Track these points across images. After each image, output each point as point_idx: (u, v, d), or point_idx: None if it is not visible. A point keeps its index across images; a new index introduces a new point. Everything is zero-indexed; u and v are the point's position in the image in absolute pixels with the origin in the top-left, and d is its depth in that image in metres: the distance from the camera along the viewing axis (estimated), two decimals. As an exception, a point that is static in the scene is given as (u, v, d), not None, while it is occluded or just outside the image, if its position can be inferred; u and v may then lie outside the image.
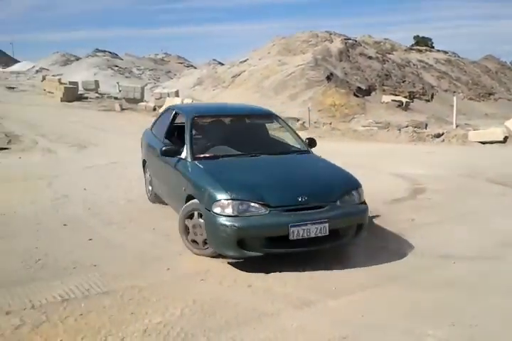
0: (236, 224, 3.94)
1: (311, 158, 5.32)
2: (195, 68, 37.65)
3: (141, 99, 21.96)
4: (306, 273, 4.07)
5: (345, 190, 4.47)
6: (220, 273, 4.03)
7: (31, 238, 4.88)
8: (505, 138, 13.51)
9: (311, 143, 5.58)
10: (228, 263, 4.26)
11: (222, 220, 4.00)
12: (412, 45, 41.67)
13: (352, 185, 4.60)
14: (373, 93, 26.47)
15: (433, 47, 41.67)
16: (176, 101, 18.83)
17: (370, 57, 30.17)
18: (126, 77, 35.39)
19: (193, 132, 5.21)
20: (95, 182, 7.44)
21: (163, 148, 4.98)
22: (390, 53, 32.57)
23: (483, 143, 12.95)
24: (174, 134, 5.75)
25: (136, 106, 20.73)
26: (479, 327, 3.23)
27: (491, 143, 12.92)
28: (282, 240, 4.02)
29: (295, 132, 5.81)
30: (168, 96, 20.42)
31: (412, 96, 27.62)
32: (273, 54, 31.63)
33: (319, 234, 4.08)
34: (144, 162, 6.60)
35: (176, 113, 5.86)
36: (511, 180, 7.83)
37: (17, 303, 3.44)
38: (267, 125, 6.13)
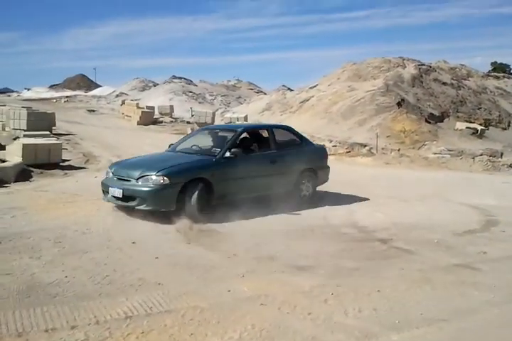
0: None
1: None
2: (265, 94, 38.39)
3: (212, 123, 22.71)
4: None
5: None
6: (280, 299, 4.00)
7: (102, 254, 5.10)
8: None
9: None
10: (288, 288, 4.23)
11: None
12: (489, 72, 40.10)
13: None
14: (446, 120, 25.60)
15: (511, 74, 39.87)
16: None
17: (444, 83, 29.33)
18: (200, 102, 36.78)
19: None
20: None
21: None
22: (465, 79, 31.49)
23: None
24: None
25: (206, 130, 21.42)
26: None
27: None
28: None
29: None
30: (238, 120, 20.94)
31: (487, 123, 26.40)
32: (343, 80, 31.61)
33: None
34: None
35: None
36: None
37: (82, 318, 3.55)
38: None
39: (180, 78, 43.26)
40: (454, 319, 3.76)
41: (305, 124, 24.10)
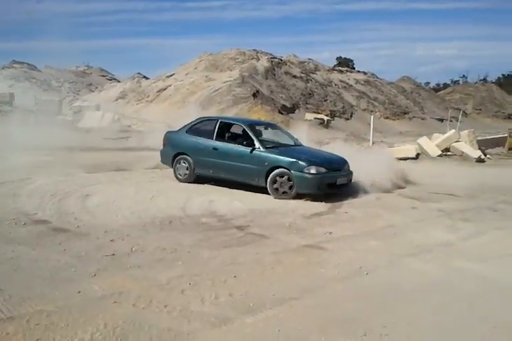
0: (318, 177, 7.96)
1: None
2: (119, 81, 36.76)
3: (59, 113, 21.08)
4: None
5: None
6: (135, 295, 3.87)
7: None
8: (417, 155, 14.40)
9: None
10: (144, 283, 4.11)
11: (311, 176, 7.95)
12: (335, 66, 43.58)
13: None
14: (297, 111, 27.27)
15: (354, 68, 43.86)
16: (97, 114, 18.23)
17: (294, 76, 31.16)
18: (45, 90, 33.79)
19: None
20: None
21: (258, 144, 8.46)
22: (313, 73, 33.82)
23: (398, 159, 13.71)
24: (225, 135, 8.97)
25: (53, 119, 19.80)
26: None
27: (405, 159, 13.71)
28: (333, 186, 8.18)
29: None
30: (88, 109, 19.74)
31: (333, 114, 28.76)
32: (200, 69, 31.70)
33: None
34: (176, 155, 9.22)
35: (221, 122, 9.12)
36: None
37: None
38: None
39: (22, 63, 39.23)
40: (303, 297, 4.01)
41: (162, 114, 23.70)
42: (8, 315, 3.42)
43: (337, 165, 8.48)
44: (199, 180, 9.06)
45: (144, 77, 37.23)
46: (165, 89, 29.63)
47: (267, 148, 8.47)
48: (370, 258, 5.06)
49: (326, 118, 25.54)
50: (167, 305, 3.70)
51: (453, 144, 15.55)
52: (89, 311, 3.54)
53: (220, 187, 8.74)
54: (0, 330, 3.20)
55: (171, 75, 31.94)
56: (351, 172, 8.65)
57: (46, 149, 12.27)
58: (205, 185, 8.94)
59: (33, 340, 3.12)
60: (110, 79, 39.83)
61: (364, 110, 31.49)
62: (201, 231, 5.92)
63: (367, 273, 4.62)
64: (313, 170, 7.95)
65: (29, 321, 3.35)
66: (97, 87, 35.72)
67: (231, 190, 8.59)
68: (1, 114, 21.05)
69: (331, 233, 6.03)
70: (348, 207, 7.71)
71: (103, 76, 42.66)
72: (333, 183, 8.17)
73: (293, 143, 9.35)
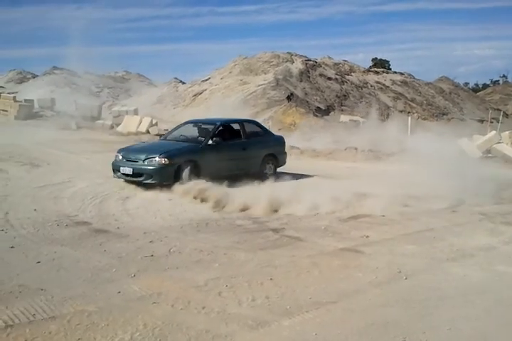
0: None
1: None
2: (156, 86, 37.43)
3: (99, 117, 21.61)
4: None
5: None
6: (173, 296, 3.92)
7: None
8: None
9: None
10: (182, 284, 4.17)
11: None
12: (370, 67, 43.01)
13: None
14: (332, 113, 27.05)
15: (390, 69, 43.15)
16: (135, 119, 18.62)
17: (329, 78, 30.94)
18: (84, 94, 34.77)
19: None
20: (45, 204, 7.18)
21: None
22: (348, 74, 33.49)
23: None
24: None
25: (93, 124, 20.35)
26: None
27: (444, 161, 13.35)
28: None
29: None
30: (127, 114, 20.16)
31: (369, 116, 28.32)
32: (235, 73, 31.92)
33: None
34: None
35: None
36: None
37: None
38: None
39: (62, 69, 40.50)
40: (340, 301, 3.97)
41: (198, 118, 23.96)
42: (50, 315, 3.53)
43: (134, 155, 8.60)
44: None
45: (181, 81, 37.76)
46: (201, 94, 29.99)
47: None
48: (408, 263, 4.96)
49: (361, 120, 25.23)
50: (205, 306, 3.74)
51: (494, 146, 15.07)
52: (129, 311, 3.61)
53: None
54: (42, 329, 3.30)
55: (207, 79, 32.30)
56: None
57: (87, 152, 12.61)
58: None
59: (74, 340, 3.21)
60: (148, 85, 40.60)
61: (401, 111, 30.92)
62: (237, 234, 5.96)
63: (406, 278, 4.53)
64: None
65: (70, 321, 3.44)
66: (135, 92, 36.49)
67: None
68: (43, 119, 21.80)
69: (368, 236, 5.95)
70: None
71: (141, 81, 43.53)
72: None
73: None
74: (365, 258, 5.10)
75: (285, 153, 10.63)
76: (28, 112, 22.21)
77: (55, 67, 41.01)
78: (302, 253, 5.20)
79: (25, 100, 24.01)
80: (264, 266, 4.76)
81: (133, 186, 8.44)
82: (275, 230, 6.17)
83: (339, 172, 11.49)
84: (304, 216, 6.99)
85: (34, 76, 43.03)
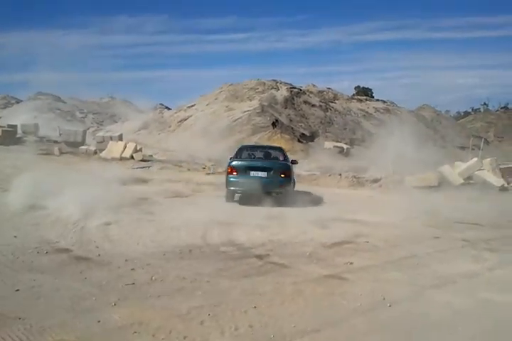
0: None
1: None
2: (142, 112, 37.58)
3: (83, 143, 21.54)
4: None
5: None
6: (155, 325, 3.84)
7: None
8: (439, 183, 14.21)
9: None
10: (164, 313, 4.08)
11: None
12: (354, 95, 43.86)
13: None
14: (316, 139, 27.37)
15: (373, 97, 44.05)
16: (120, 144, 18.59)
17: (313, 105, 31.45)
18: (68, 120, 34.72)
19: None
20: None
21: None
22: (332, 102, 34.11)
23: (418, 187, 13.55)
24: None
25: (76, 149, 20.25)
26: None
27: (425, 187, 13.54)
28: None
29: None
30: (111, 139, 20.12)
31: (352, 142, 28.73)
32: (220, 100, 32.27)
33: None
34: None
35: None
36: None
37: None
38: None
39: (47, 94, 40.52)
40: (324, 329, 3.93)
41: (184, 144, 24.03)
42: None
43: None
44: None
45: (166, 107, 38.02)
46: (186, 120, 30.18)
47: None
48: (392, 290, 4.94)
49: (345, 146, 25.53)
50: (187, 336, 3.66)
51: (476, 172, 15.33)
52: (109, 341, 3.52)
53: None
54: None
55: (192, 106, 32.58)
56: None
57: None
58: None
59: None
60: (133, 110, 40.77)
61: (384, 138, 31.41)
62: (221, 260, 5.89)
63: (390, 305, 4.51)
64: None
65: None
66: (120, 118, 36.55)
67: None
68: (26, 145, 21.62)
69: (352, 263, 5.94)
70: (367, 236, 7.59)
71: (127, 107, 43.70)
72: None
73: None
74: (349, 285, 5.07)
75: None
76: (11, 137, 22.04)
77: (39, 93, 41.04)
78: (286, 280, 5.15)
79: (9, 125, 23.88)
80: (248, 293, 4.70)
81: (114, 212, 8.31)
82: (259, 257, 6.13)
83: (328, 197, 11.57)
84: (289, 242, 6.97)
85: (18, 101, 42.96)
